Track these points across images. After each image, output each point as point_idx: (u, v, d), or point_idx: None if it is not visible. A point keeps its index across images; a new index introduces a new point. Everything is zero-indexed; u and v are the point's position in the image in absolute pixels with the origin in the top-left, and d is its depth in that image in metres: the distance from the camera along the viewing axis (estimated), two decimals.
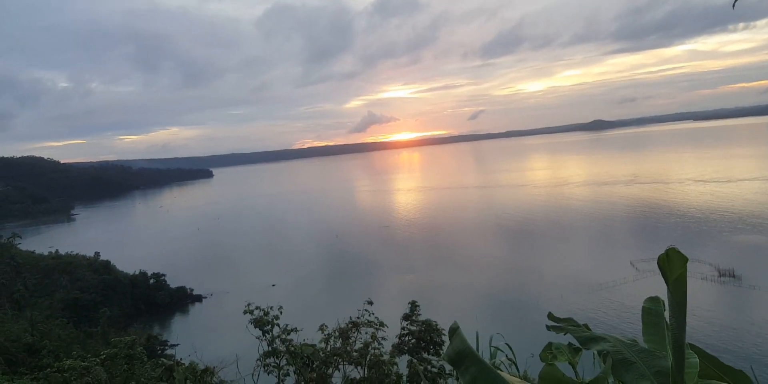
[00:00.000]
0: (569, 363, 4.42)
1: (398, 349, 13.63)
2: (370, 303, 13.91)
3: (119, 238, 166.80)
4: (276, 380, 12.25)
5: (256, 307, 13.20)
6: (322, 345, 13.02)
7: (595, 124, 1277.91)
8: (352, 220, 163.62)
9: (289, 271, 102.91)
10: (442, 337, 13.99)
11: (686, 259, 2.62)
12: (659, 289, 2.74)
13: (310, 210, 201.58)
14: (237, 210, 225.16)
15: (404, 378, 11.99)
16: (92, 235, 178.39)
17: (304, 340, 12.95)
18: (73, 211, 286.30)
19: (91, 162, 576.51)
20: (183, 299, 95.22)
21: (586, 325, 3.65)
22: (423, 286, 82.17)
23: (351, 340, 13.16)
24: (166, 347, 61.85)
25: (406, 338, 13.97)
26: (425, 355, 13.56)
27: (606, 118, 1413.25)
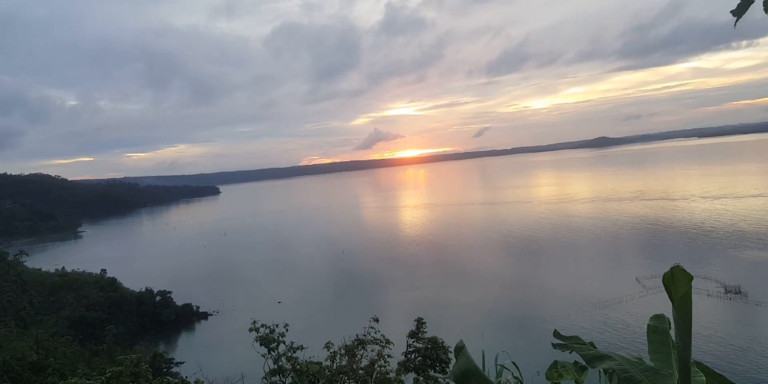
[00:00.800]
0: (575, 382, 4.36)
1: (404, 367, 13.51)
2: (376, 320, 13.84)
3: (126, 255, 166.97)
4: None
5: (262, 325, 13.09)
6: (328, 363, 12.94)
7: (600, 141, 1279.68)
8: (358, 236, 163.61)
9: (295, 288, 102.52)
10: (449, 354, 13.88)
11: (691, 278, 2.60)
12: (666, 305, 2.71)
13: (316, 226, 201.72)
14: (243, 226, 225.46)
15: None
16: (99, 252, 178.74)
17: (310, 357, 12.88)
18: (79, 229, 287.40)
19: (98, 179, 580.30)
20: (189, 317, 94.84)
21: (591, 343, 3.58)
22: (429, 302, 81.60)
23: (357, 358, 13.09)
24: (172, 365, 61.42)
25: (413, 356, 13.84)
26: (432, 373, 13.44)
27: (611, 135, 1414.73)
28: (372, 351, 13.18)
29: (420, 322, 14.72)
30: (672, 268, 2.58)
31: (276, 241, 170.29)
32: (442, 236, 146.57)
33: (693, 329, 2.60)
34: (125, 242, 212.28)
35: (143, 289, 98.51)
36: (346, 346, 13.38)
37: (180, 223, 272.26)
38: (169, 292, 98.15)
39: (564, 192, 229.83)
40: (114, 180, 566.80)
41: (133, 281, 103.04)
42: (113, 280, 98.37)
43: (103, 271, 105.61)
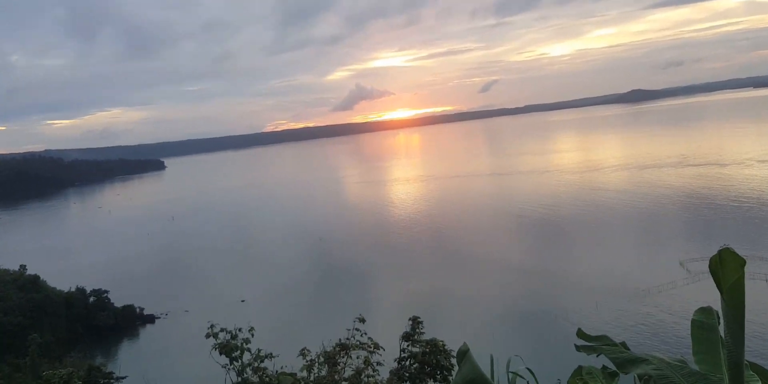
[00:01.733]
0: None
1: (397, 376, 13.64)
2: (362, 320, 13.88)
3: (50, 246, 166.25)
4: None
5: (222, 329, 12.98)
6: (304, 373, 13.03)
7: (634, 95, 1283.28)
8: (338, 218, 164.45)
9: (262, 283, 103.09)
10: (451, 360, 14.01)
11: (743, 262, 2.55)
12: (714, 296, 2.69)
13: (286, 207, 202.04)
14: (196, 209, 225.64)
15: None
16: (16, 243, 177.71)
17: (281, 367, 12.94)
18: None
19: (13, 153, 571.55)
20: (131, 320, 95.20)
21: (623, 344, 3.58)
22: (426, 297, 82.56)
23: (339, 367, 13.19)
24: (112, 381, 61.94)
25: (407, 362, 13.95)
26: (431, 383, 13.60)
27: (647, 87, 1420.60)
28: (358, 358, 13.27)
29: (416, 322, 14.79)
30: (720, 251, 2.56)
31: (237, 227, 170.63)
32: (440, 216, 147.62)
33: (746, 324, 2.54)
34: (49, 231, 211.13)
35: (73, 289, 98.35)
36: (326, 352, 13.45)
37: (116, 206, 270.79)
38: (106, 292, 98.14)
39: (590, 158, 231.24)
40: (32, 154, 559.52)
41: (61, 279, 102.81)
42: (35, 277, 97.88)
43: (23, 267, 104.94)
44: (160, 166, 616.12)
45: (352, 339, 13.54)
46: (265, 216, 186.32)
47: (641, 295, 74.33)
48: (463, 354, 3.31)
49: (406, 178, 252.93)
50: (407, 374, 13.72)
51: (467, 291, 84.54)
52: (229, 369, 12.68)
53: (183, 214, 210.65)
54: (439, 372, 13.79)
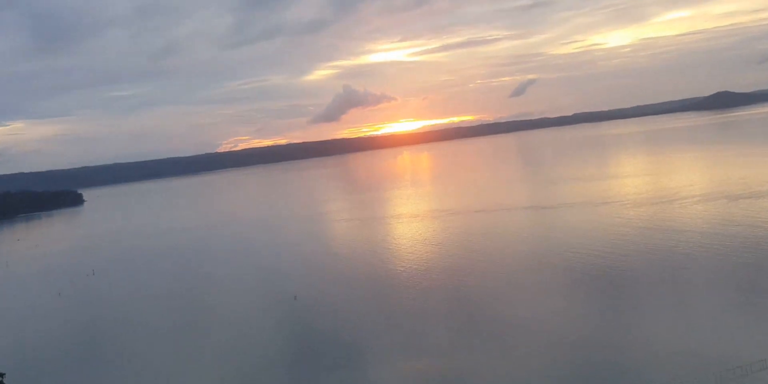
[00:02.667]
0: None
1: None
2: None
3: None
4: None
5: None
6: None
7: (719, 99, 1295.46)
8: (319, 270, 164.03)
9: (215, 365, 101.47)
10: None
11: None
12: None
13: (249, 255, 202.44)
14: (126, 259, 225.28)
15: None
16: None
17: None
18: None
19: None
20: None
21: None
22: (441, 380, 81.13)
23: None
24: None
25: None
26: None
27: (735, 89, 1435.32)
28: None
29: None
30: None
31: (181, 285, 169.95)
32: (458, 266, 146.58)
33: None
34: None
35: None
36: None
37: (16, 256, 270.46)
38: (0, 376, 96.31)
39: (662, 186, 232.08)
40: None
41: None
42: None
43: None
44: (77, 201, 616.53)
45: None
46: (219, 269, 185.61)
47: (737, 376, 72.92)
48: None
49: (412, 213, 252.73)
50: None
51: (498, 372, 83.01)
52: None
53: (107, 267, 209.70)
54: None
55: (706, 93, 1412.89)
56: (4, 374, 53.72)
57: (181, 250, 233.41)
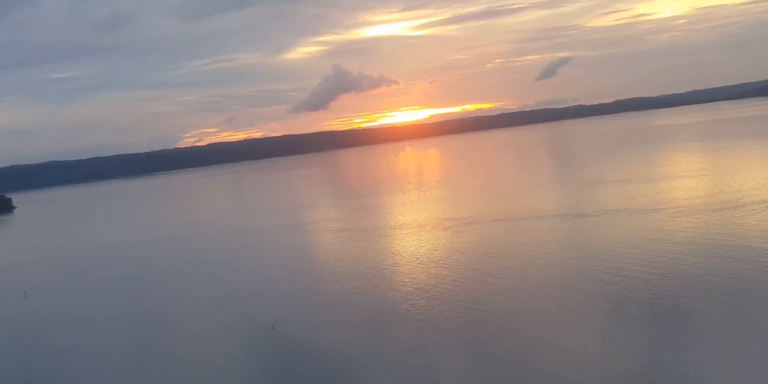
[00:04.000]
0: None
1: None
2: None
3: None
4: None
5: None
6: None
7: None
8: (302, 292, 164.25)
9: None
10: None
11: None
12: None
13: (216, 274, 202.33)
14: (65, 278, 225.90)
15: None
16: None
17: None
18: None
19: None
20: None
21: None
22: None
23: None
24: None
25: None
26: None
27: None
28: None
29: None
30: None
31: (134, 308, 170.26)
32: (473, 289, 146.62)
33: None
34: None
35: None
36: None
37: None
38: None
39: (725, 189, 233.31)
40: None
41: None
42: None
43: None
44: (5, 207, 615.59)
45: None
46: (181, 291, 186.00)
47: None
48: None
49: (417, 223, 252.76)
50: None
51: None
52: None
53: (43, 289, 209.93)
54: None
55: None
56: None
57: (133, 268, 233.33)
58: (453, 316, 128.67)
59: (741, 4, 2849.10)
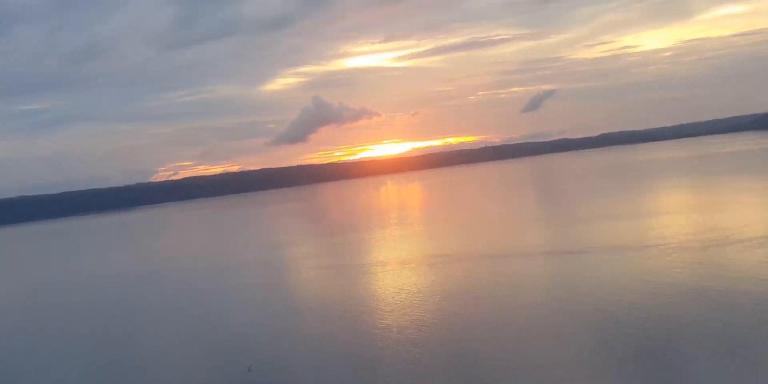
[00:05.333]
0: None
1: None
2: None
3: None
4: None
5: None
6: None
7: None
8: (280, 332, 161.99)
9: None
10: None
11: None
12: None
13: (189, 313, 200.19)
14: (31, 319, 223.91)
15: None
16: None
17: None
18: None
19: None
20: None
21: None
22: None
23: None
24: None
25: None
26: None
27: None
28: None
29: None
30: None
31: (102, 348, 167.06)
32: (460, 328, 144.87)
33: None
34: None
35: None
36: None
37: None
38: None
39: (714, 225, 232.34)
40: None
41: None
42: None
43: None
44: None
45: None
46: (151, 331, 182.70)
47: None
48: None
49: (399, 260, 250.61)
50: None
51: None
52: None
53: (4, 334, 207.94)
54: None
55: (766, 109, 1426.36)
56: None
57: (101, 306, 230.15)
58: (434, 359, 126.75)
59: (727, 37, 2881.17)
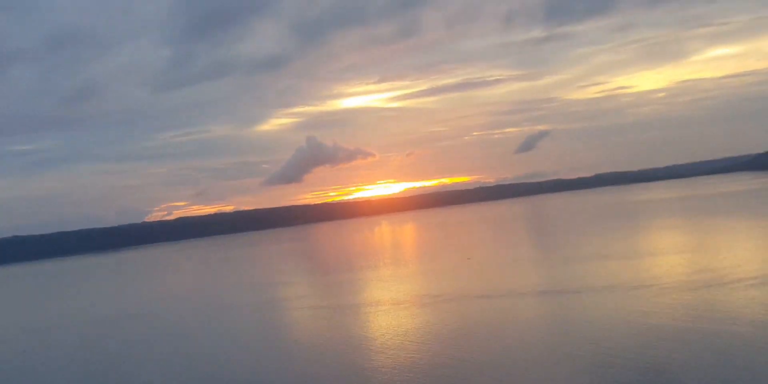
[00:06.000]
0: None
1: None
2: None
3: None
4: None
5: None
6: None
7: None
8: (273, 376, 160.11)
9: None
10: None
11: None
12: None
13: (180, 355, 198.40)
14: (22, 358, 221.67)
15: None
16: None
17: None
18: None
19: None
20: None
21: None
22: None
23: None
24: None
25: None
26: None
27: None
28: None
29: None
30: None
31: None
32: (453, 374, 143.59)
33: None
34: None
35: None
36: None
37: None
38: None
39: (708, 265, 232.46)
40: None
41: None
42: None
43: None
44: None
45: None
46: (142, 374, 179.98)
47: None
48: None
49: (394, 300, 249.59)
50: None
51: None
52: None
53: None
54: None
55: (759, 149, 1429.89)
56: None
57: (92, 348, 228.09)
58: None
59: (721, 78, 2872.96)
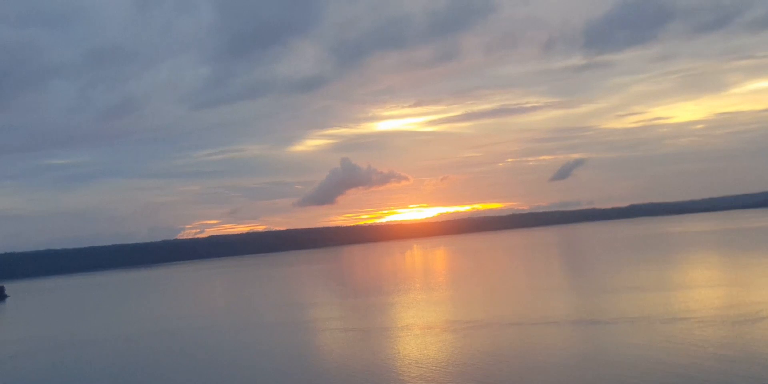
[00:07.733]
0: None
1: None
2: None
3: None
4: None
5: None
6: None
7: None
8: None
9: None
10: None
11: None
12: None
13: (209, 373, 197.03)
14: (55, 371, 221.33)
15: None
16: None
17: None
18: None
19: None
20: None
21: None
22: None
23: None
24: None
25: None
26: None
27: None
28: None
29: None
30: None
31: None
32: None
33: None
34: None
35: None
36: None
37: None
38: None
39: (746, 300, 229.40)
40: None
41: None
42: None
43: None
44: None
45: None
46: None
47: None
48: None
49: (424, 324, 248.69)
50: None
51: None
52: None
53: (30, 382, 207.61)
54: None
55: None
56: None
57: (124, 363, 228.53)
58: None
59: (761, 111, 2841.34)
